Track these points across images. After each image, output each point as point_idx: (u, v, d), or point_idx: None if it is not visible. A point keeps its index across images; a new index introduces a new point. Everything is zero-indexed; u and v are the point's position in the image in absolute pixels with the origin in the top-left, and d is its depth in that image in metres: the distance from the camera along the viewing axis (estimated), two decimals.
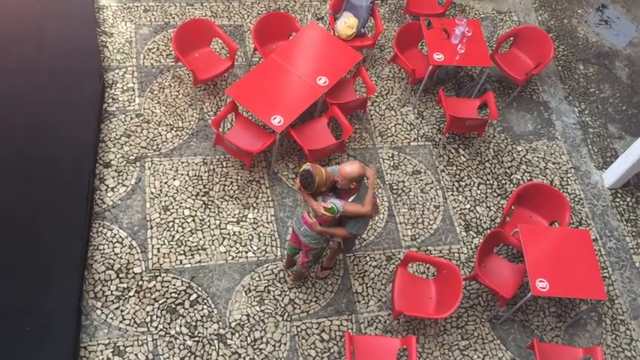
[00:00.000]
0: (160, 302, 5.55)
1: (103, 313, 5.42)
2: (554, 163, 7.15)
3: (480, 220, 6.58)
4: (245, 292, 5.73)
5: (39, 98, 6.28)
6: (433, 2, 7.85)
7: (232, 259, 5.89)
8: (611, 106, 7.82)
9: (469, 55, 6.94)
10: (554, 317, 6.08)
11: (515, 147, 7.20)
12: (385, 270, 6.09)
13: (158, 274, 5.70)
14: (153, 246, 5.83)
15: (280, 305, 5.72)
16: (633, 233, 6.79)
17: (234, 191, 6.29)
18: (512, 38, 7.52)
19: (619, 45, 8.49)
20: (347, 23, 7.06)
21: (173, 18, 7.47)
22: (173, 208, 6.08)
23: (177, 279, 5.70)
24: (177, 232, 5.95)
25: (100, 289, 5.53)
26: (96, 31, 7.02)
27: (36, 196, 5.71)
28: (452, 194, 6.70)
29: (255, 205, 6.24)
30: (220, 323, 5.54)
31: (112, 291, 5.54)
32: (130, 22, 7.32)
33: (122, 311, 5.45)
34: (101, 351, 5.23)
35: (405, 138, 7.02)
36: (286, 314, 5.68)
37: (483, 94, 7.03)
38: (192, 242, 5.92)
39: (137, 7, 7.49)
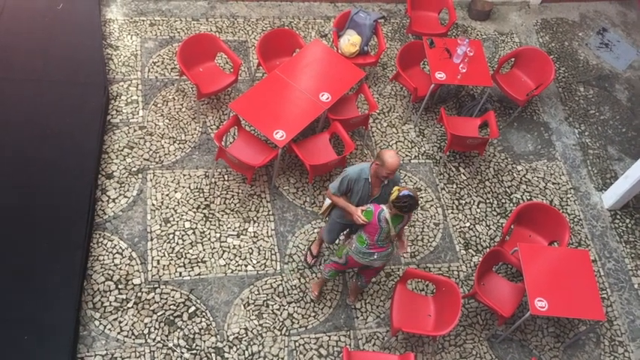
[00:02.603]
0: (159, 314, 5.55)
1: (101, 324, 5.41)
2: (553, 184, 7.19)
3: (480, 239, 6.59)
4: (244, 305, 5.72)
5: (44, 108, 6.33)
6: (436, 22, 7.94)
7: (232, 272, 5.90)
8: (611, 128, 7.88)
9: (470, 74, 7.00)
10: (552, 337, 6.07)
11: (516, 166, 7.24)
12: (384, 286, 6.09)
13: (157, 285, 5.70)
14: (153, 258, 5.84)
15: (279, 320, 5.71)
16: (632, 255, 6.80)
17: (235, 205, 6.31)
18: (513, 59, 7.60)
19: (619, 68, 8.58)
20: (350, 41, 7.13)
21: (178, 32, 7.56)
22: (174, 220, 6.10)
23: (177, 291, 5.69)
24: (177, 244, 5.97)
25: (99, 300, 5.53)
26: (102, 44, 7.10)
27: (37, 205, 5.74)
28: (452, 212, 6.72)
29: (255, 218, 6.26)
30: (218, 336, 5.53)
31: (110, 302, 5.54)
32: (135, 36, 7.40)
33: (120, 322, 5.44)
34: None
35: (406, 155, 7.06)
36: (284, 329, 5.67)
37: (484, 114, 7.09)
38: (192, 255, 5.93)
39: (143, 21, 7.57)
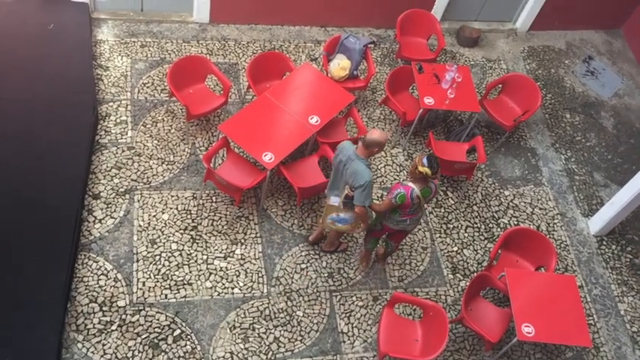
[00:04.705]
0: (143, 337, 5.47)
1: (84, 346, 5.32)
2: (540, 209, 7.23)
3: (467, 263, 6.59)
4: (230, 328, 5.67)
5: (33, 128, 6.29)
6: (424, 48, 8.04)
7: (218, 294, 5.85)
8: (597, 154, 7.96)
9: (459, 100, 7.07)
10: None
11: (503, 191, 7.28)
12: (371, 310, 6.06)
13: (142, 308, 5.63)
14: (138, 279, 5.78)
15: (265, 343, 5.65)
16: (618, 281, 6.83)
17: (223, 226, 6.28)
18: (500, 85, 7.69)
19: (605, 96, 8.70)
20: (340, 65, 7.20)
21: (169, 54, 7.59)
22: (160, 242, 6.05)
23: (162, 314, 5.63)
24: (163, 265, 5.91)
25: (83, 322, 5.45)
26: (92, 65, 7.10)
27: (22, 224, 5.67)
28: (439, 236, 6.73)
29: (243, 241, 6.23)
30: None
31: (94, 324, 5.46)
32: (126, 57, 7.42)
33: (104, 345, 5.36)
34: None
35: (395, 179, 7.09)
36: (270, 353, 5.61)
37: (472, 139, 7.15)
38: (178, 277, 5.88)
39: (134, 42, 7.60)
